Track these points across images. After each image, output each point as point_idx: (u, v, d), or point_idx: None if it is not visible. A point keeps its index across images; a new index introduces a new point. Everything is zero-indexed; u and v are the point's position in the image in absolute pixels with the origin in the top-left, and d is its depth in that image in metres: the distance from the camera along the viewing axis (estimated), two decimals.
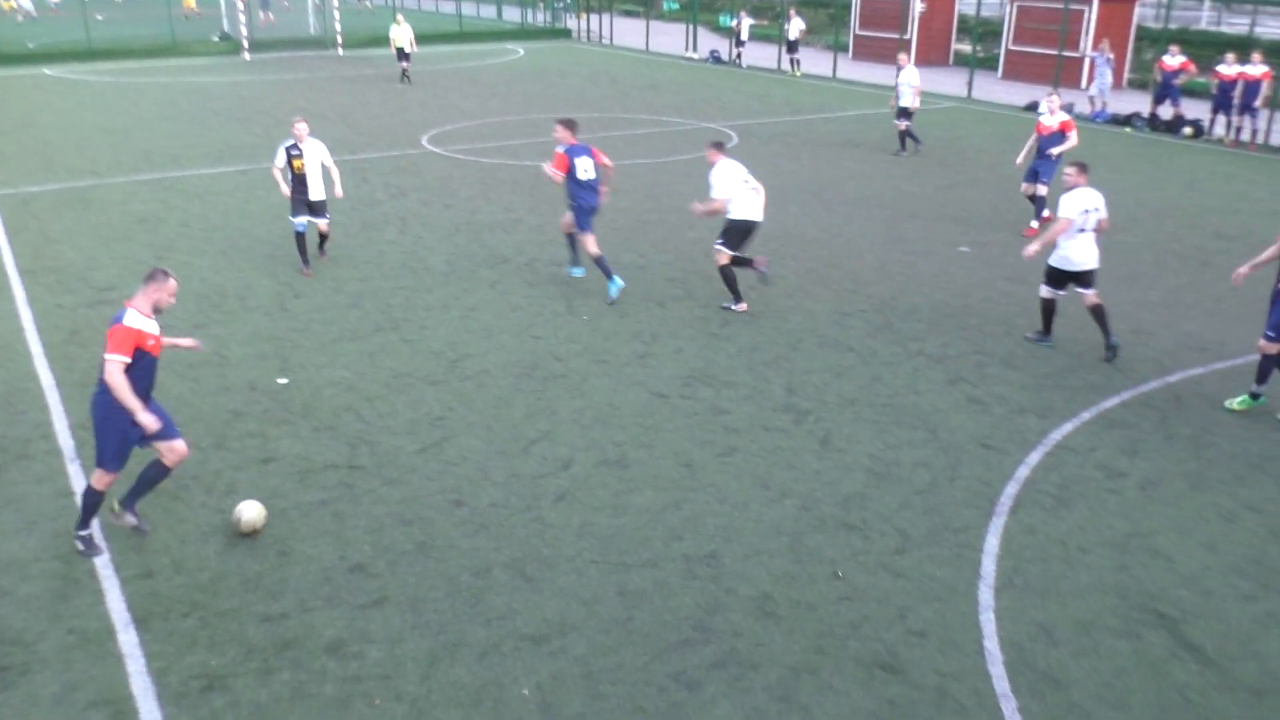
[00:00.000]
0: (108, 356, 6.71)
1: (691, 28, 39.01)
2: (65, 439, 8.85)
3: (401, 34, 30.39)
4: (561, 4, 47.56)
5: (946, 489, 8.25)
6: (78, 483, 8.09)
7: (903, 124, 20.82)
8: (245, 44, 36.73)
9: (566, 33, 45.19)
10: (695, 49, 38.42)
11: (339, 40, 38.09)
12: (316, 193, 12.87)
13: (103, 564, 7.13)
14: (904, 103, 20.52)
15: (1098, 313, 10.71)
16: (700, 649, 6.36)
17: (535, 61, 36.06)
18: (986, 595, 6.91)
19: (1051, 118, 15.48)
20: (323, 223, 13.22)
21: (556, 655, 6.30)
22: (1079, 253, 10.52)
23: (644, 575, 7.08)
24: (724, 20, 43.34)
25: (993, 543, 7.51)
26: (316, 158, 12.76)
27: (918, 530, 7.65)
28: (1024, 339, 11.23)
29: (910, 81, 20.32)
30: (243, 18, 36.84)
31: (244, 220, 15.65)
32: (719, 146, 11.99)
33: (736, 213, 11.79)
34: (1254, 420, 9.51)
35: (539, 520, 7.73)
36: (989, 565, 7.25)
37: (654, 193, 17.53)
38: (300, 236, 13.08)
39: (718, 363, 10.62)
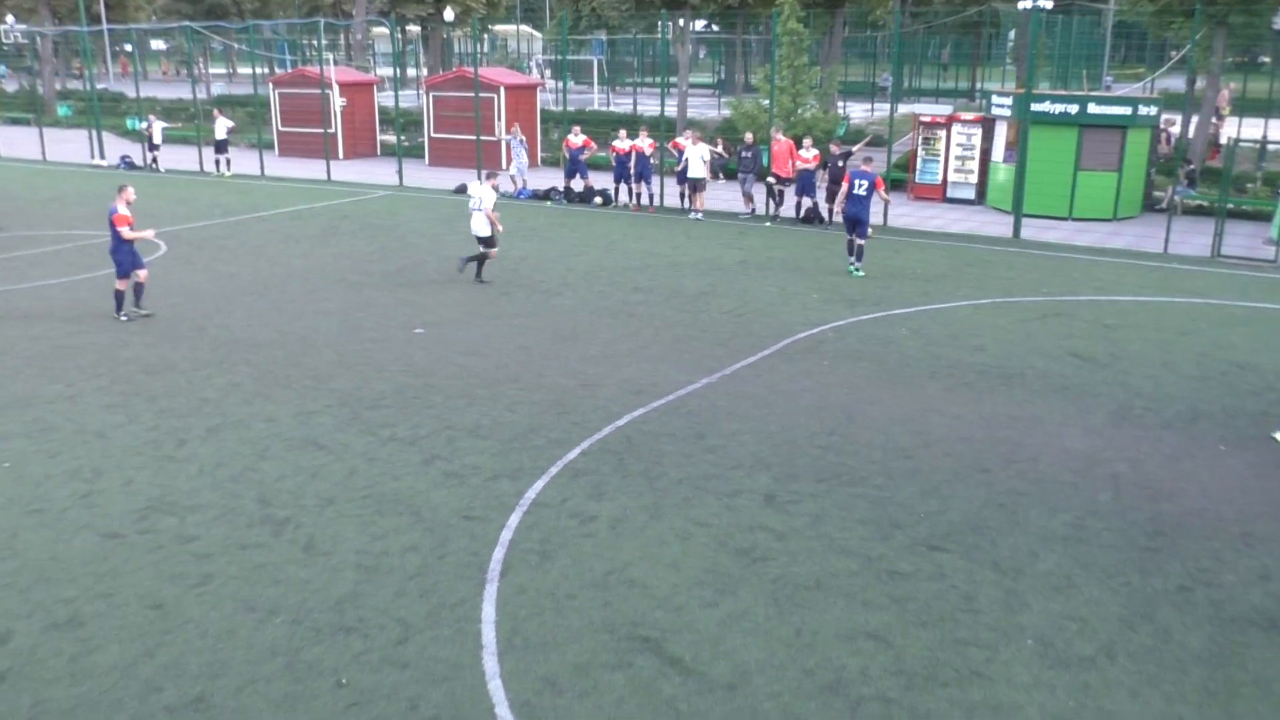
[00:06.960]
0: None
1: (95, 133, 36.05)
2: None
3: None
4: None
5: (438, 567, 8.35)
6: None
7: None
8: None
9: None
10: (103, 155, 35.58)
11: None
12: None
13: None
14: None
15: None
16: None
17: None
18: (491, 663, 7.07)
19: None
20: None
21: None
22: None
23: None
24: (131, 124, 40.57)
25: (489, 610, 7.73)
26: None
27: (416, 616, 7.64)
28: (486, 411, 11.78)
29: None
30: None
31: None
32: None
33: None
34: (691, 447, 10.80)
35: None
36: (489, 633, 7.43)
37: (74, 314, 15.86)
38: None
39: (178, 487, 9.81)
